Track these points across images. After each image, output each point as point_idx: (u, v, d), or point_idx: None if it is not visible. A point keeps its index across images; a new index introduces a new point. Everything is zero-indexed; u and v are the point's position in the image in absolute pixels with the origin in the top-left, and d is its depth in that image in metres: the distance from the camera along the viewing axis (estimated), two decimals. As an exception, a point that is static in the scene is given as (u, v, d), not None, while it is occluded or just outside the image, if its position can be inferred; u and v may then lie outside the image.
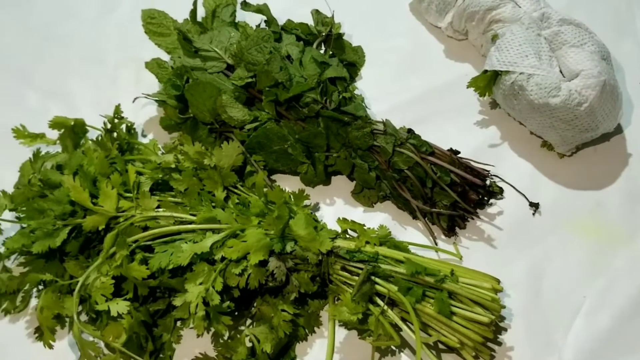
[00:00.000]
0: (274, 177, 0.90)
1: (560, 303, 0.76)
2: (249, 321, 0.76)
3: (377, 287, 0.71)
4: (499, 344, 0.73)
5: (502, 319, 0.75)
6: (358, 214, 0.86)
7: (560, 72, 0.85)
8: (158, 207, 0.75)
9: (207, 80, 0.88)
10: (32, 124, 0.89)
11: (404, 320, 0.71)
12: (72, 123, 0.86)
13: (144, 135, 0.96)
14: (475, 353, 0.69)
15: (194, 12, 0.97)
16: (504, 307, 0.70)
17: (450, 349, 0.71)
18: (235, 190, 0.79)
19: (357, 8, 1.09)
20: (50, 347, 0.70)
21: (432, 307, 0.68)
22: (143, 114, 0.98)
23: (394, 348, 0.73)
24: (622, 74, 0.96)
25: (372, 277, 0.71)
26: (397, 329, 0.70)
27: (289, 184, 0.88)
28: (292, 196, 0.78)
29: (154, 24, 0.97)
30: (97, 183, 0.75)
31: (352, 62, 1.00)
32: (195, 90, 0.87)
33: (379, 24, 1.07)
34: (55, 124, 0.86)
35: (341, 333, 0.75)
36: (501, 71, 0.86)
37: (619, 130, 0.90)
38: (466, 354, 0.69)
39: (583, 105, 0.81)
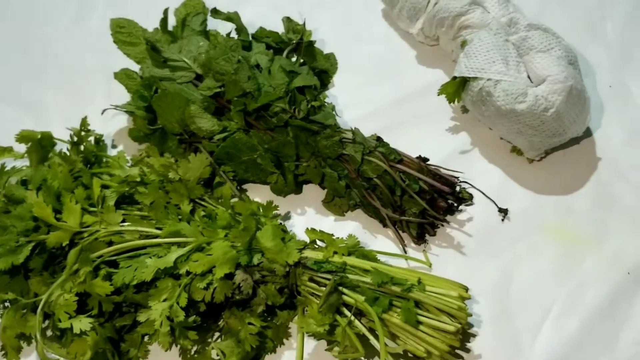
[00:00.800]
0: (245, 187, 0.90)
1: (529, 308, 0.76)
2: (217, 334, 0.76)
3: (345, 297, 0.71)
4: (467, 351, 0.74)
5: (471, 326, 0.75)
6: (329, 222, 0.86)
7: (529, 77, 0.86)
8: (124, 221, 0.74)
9: (176, 91, 0.87)
10: (3, 137, 0.89)
11: (371, 330, 0.70)
12: (39, 136, 0.85)
13: (115, 147, 0.95)
14: (442, 362, 0.69)
15: (164, 21, 0.97)
16: (470, 315, 0.70)
17: (418, 358, 0.71)
18: (203, 203, 0.78)
19: (330, 15, 1.09)
20: (13, 366, 0.69)
21: (398, 317, 0.68)
22: (113, 125, 0.97)
23: (362, 359, 0.73)
24: (593, 78, 0.97)
25: (340, 288, 0.71)
26: (365, 339, 0.70)
27: (259, 194, 0.88)
28: (260, 207, 0.78)
29: (123, 33, 0.96)
30: (61, 198, 0.74)
31: (324, 70, 0.99)
32: (163, 101, 0.86)
33: (351, 31, 1.07)
34: (22, 137, 0.86)
35: (311, 344, 0.75)
36: (469, 77, 0.86)
37: (588, 134, 0.90)
38: (433, 363, 0.69)
39: (549, 110, 0.81)
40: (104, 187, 0.77)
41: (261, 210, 0.78)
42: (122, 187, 0.77)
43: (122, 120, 0.98)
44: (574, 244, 0.81)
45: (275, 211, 0.79)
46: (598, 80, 0.97)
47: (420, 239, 0.82)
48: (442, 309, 0.69)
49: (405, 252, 0.81)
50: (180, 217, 0.74)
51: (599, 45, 1.00)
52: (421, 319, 0.68)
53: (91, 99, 1.01)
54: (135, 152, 0.90)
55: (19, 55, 1.10)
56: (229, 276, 0.70)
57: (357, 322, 0.70)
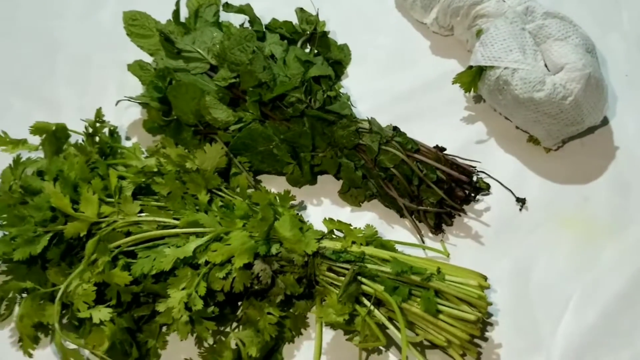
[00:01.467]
0: (260, 178, 0.89)
1: (548, 298, 0.76)
2: (235, 324, 0.75)
3: (364, 287, 0.70)
4: (486, 340, 0.73)
5: (490, 315, 0.75)
6: (345, 213, 0.85)
7: (546, 66, 0.85)
8: (141, 211, 0.74)
9: (190, 82, 0.87)
10: (17, 130, 0.88)
11: (390, 319, 0.70)
12: (54, 128, 0.85)
13: (128, 139, 0.95)
14: (462, 351, 0.69)
15: (176, 13, 0.96)
16: (490, 304, 0.70)
17: (437, 347, 0.71)
18: (220, 193, 0.78)
19: (343, 6, 1.08)
20: (30, 355, 0.69)
21: (418, 306, 0.68)
22: (127, 117, 0.97)
23: (381, 348, 0.73)
24: (608, 66, 0.96)
25: (359, 277, 0.71)
26: (384, 328, 0.70)
27: (275, 184, 0.87)
28: (277, 197, 0.78)
29: (136, 25, 0.96)
30: (77, 188, 0.73)
31: (338, 60, 0.99)
32: (178, 92, 0.86)
33: (364, 22, 1.06)
34: (36, 129, 0.85)
35: (329, 334, 0.75)
36: (486, 66, 0.86)
37: (605, 123, 0.89)
38: (453, 352, 0.69)
39: (568, 98, 0.80)
40: (121, 178, 0.77)
41: (278, 201, 0.77)
42: (138, 178, 0.76)
43: (136, 113, 0.98)
44: (592, 234, 0.80)
45: (292, 202, 0.78)
46: (614, 70, 0.96)
47: (437, 229, 0.81)
48: (462, 298, 0.68)
49: (423, 242, 0.81)
50: (197, 207, 0.74)
51: (615, 34, 1.00)
52: (441, 308, 0.68)
53: (104, 92, 1.00)
54: (147, 144, 0.89)
55: (32, 48, 1.09)
56: (248, 266, 0.70)
57: (376, 312, 0.69)
